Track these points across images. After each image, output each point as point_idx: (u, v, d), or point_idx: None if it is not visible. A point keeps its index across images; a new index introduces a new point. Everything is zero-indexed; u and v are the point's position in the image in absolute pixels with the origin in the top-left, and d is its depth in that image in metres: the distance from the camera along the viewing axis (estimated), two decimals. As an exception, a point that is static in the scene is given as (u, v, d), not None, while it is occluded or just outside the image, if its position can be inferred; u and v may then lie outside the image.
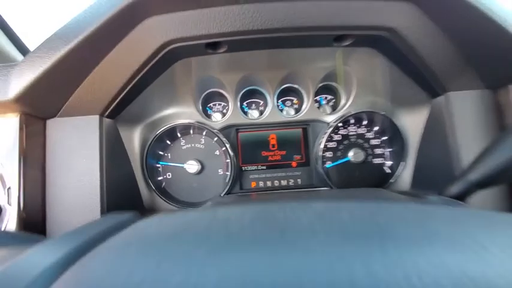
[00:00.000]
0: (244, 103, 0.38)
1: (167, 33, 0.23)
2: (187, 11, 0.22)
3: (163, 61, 0.26)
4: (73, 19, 0.23)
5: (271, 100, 0.37)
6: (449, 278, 0.06)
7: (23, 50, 0.42)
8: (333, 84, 0.36)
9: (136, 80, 0.27)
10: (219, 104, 0.39)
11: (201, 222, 0.10)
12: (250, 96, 0.38)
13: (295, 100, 0.38)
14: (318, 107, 0.38)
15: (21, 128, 0.27)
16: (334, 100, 0.38)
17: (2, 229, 0.26)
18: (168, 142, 0.38)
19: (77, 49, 0.23)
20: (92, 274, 0.09)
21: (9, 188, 0.26)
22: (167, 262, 0.08)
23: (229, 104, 0.37)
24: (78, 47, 0.23)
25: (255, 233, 0.09)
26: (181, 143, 0.38)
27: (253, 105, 0.38)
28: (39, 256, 0.11)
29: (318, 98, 0.38)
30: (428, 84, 0.30)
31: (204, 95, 0.37)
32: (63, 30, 0.24)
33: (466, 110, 0.29)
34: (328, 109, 0.38)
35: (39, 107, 0.27)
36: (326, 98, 0.38)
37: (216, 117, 0.38)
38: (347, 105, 0.36)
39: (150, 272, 0.08)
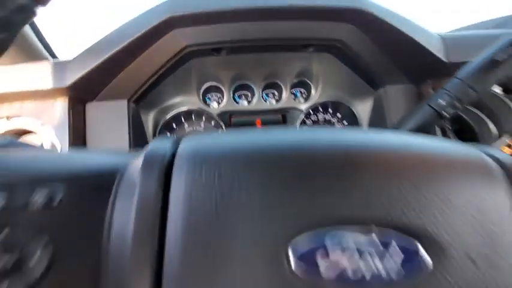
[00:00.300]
0: (236, 94, 0.48)
1: (186, 40, 0.32)
2: (202, 26, 0.31)
3: (179, 61, 0.36)
4: (117, 29, 0.32)
5: (257, 92, 0.47)
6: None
7: (48, 48, 0.50)
8: (305, 79, 0.47)
9: (158, 74, 0.36)
10: (216, 95, 0.48)
11: None
12: (241, 89, 0.48)
13: (276, 92, 0.49)
14: (294, 98, 0.48)
15: (69, 110, 0.35)
16: (306, 92, 0.49)
17: None
18: (174, 126, 0.47)
19: (119, 52, 0.32)
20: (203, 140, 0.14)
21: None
22: None
23: (224, 95, 0.47)
24: (120, 50, 0.32)
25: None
26: (185, 126, 0.47)
27: (243, 96, 0.48)
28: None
29: (293, 90, 0.49)
30: (370, 80, 0.41)
31: (204, 87, 0.47)
32: (108, 37, 0.33)
33: (397, 100, 0.41)
34: (302, 100, 0.49)
35: (83, 93, 0.36)
36: (300, 91, 0.49)
37: (214, 105, 0.48)
38: (316, 96, 0.47)
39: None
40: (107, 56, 0.33)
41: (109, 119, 0.37)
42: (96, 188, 0.13)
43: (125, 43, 0.32)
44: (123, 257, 0.11)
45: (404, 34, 0.34)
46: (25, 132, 0.35)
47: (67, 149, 0.34)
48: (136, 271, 0.10)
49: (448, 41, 0.36)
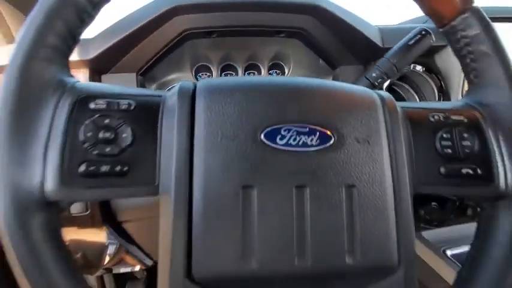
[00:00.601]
0: (223, 74, 0.58)
1: (186, 25, 0.42)
2: (198, 13, 0.41)
3: (178, 41, 0.45)
4: (130, 14, 0.41)
5: (240, 72, 0.57)
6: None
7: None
8: (279, 62, 0.58)
9: (161, 52, 0.45)
10: (205, 74, 0.58)
11: None
12: (227, 69, 0.58)
13: (256, 73, 0.59)
14: (271, 77, 0.59)
15: (89, 79, 0.44)
16: (280, 73, 0.60)
17: None
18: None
19: (131, 33, 0.41)
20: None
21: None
22: None
23: (213, 73, 0.57)
24: (132, 32, 0.41)
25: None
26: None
27: (229, 75, 0.59)
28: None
29: (271, 71, 0.59)
30: (329, 61, 0.53)
31: (196, 66, 0.56)
32: (123, 21, 0.42)
33: (349, 77, 0.52)
34: (277, 79, 0.60)
35: (101, 66, 0.44)
36: (276, 71, 0.59)
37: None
38: (288, 75, 0.58)
39: None
40: (121, 36, 0.42)
41: (120, 88, 0.46)
42: (152, 103, 0.23)
43: (137, 26, 0.41)
44: (168, 147, 0.21)
45: (350, 25, 0.46)
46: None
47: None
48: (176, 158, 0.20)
49: (383, 31, 0.49)
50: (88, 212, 0.43)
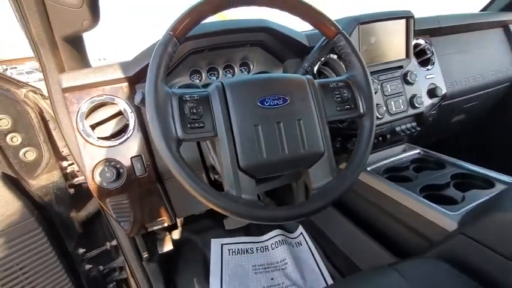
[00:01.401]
0: (208, 74, 0.83)
1: (190, 47, 0.66)
2: (199, 39, 0.66)
3: (184, 57, 0.69)
4: (152, 45, 0.64)
5: (221, 72, 0.83)
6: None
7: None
8: (247, 61, 0.85)
9: (174, 65, 0.69)
10: (197, 77, 0.83)
11: None
12: (211, 70, 0.83)
13: (231, 70, 0.85)
14: (241, 72, 0.86)
15: (130, 89, 0.66)
16: (248, 69, 0.87)
17: None
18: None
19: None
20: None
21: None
22: None
23: (202, 75, 0.81)
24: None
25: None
26: (182, 96, 0.81)
27: (213, 74, 0.83)
28: None
29: (241, 68, 0.86)
30: (279, 58, 0.81)
31: (190, 71, 0.80)
32: (148, 50, 0.64)
33: (292, 67, 0.82)
34: (246, 73, 0.86)
35: (135, 79, 0.66)
36: (244, 68, 0.86)
37: (197, 81, 0.82)
38: (253, 70, 0.85)
39: None
40: (147, 61, 0.64)
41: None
42: (206, 95, 0.49)
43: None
44: (217, 112, 0.48)
45: (288, 35, 0.74)
46: (108, 103, 0.65)
47: (131, 112, 0.65)
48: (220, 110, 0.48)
49: (308, 36, 0.78)
50: (146, 174, 0.67)
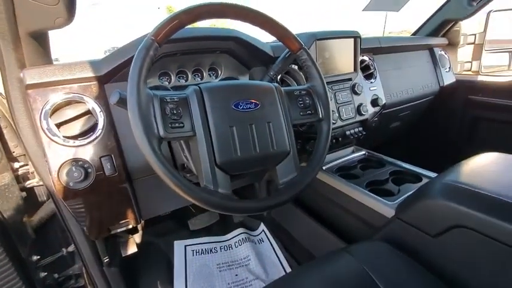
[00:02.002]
0: (177, 76, 0.86)
1: (163, 50, 0.68)
2: (171, 43, 0.69)
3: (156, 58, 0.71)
4: (124, 46, 0.65)
5: (190, 76, 0.86)
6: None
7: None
8: (215, 67, 0.89)
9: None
10: (166, 79, 0.84)
11: None
12: (180, 73, 0.85)
13: (199, 74, 0.89)
14: (209, 77, 0.90)
15: (99, 88, 0.65)
16: (216, 74, 0.91)
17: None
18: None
19: (127, 60, 0.65)
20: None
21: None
22: None
23: (172, 78, 0.83)
24: (128, 59, 0.65)
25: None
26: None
27: (182, 77, 0.86)
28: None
29: (209, 73, 0.90)
30: (245, 65, 0.87)
31: (159, 73, 0.82)
32: (121, 50, 0.65)
33: (258, 75, 0.89)
34: (214, 77, 0.91)
35: (105, 79, 0.66)
36: (213, 72, 0.90)
37: (166, 83, 0.84)
38: (221, 75, 0.90)
39: None
40: (120, 61, 0.65)
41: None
42: (184, 97, 0.53)
43: (128, 56, 0.66)
44: (195, 113, 0.52)
45: (255, 45, 0.81)
46: (76, 101, 0.63)
47: (100, 112, 0.65)
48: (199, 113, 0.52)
49: (273, 47, 0.86)
50: (116, 173, 0.67)
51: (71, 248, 0.89)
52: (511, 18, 1.40)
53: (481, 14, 1.36)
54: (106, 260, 0.92)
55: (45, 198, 0.91)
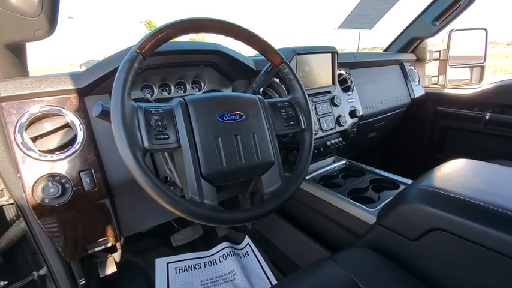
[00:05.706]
0: (160, 89, 0.85)
1: (146, 63, 0.68)
2: (155, 56, 0.69)
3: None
4: (105, 60, 0.64)
5: (173, 88, 0.86)
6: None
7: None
8: (199, 79, 0.90)
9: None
10: (148, 92, 0.84)
11: None
12: (163, 86, 0.85)
13: (182, 87, 0.89)
14: (193, 89, 0.90)
15: (79, 101, 0.63)
16: (199, 87, 0.92)
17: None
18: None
19: (109, 72, 0.64)
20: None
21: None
22: None
23: (155, 90, 0.83)
24: (109, 72, 0.64)
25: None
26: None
27: (165, 90, 0.86)
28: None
29: (193, 86, 0.90)
30: (229, 78, 0.89)
31: (142, 85, 0.81)
32: (102, 63, 0.64)
33: (241, 87, 0.91)
34: (197, 90, 0.91)
35: (85, 92, 0.64)
36: (196, 85, 0.91)
37: (148, 96, 0.83)
38: (204, 88, 0.90)
39: None
40: (101, 74, 0.64)
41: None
42: (169, 109, 0.53)
43: (112, 68, 0.65)
44: (180, 126, 0.52)
45: (237, 59, 0.83)
46: (54, 114, 0.61)
47: (80, 124, 0.63)
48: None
49: (255, 61, 0.89)
50: (96, 188, 0.64)
51: (43, 271, 0.83)
52: (469, 37, 1.53)
53: (444, 33, 1.48)
54: (82, 282, 0.86)
55: (14, 218, 0.85)
